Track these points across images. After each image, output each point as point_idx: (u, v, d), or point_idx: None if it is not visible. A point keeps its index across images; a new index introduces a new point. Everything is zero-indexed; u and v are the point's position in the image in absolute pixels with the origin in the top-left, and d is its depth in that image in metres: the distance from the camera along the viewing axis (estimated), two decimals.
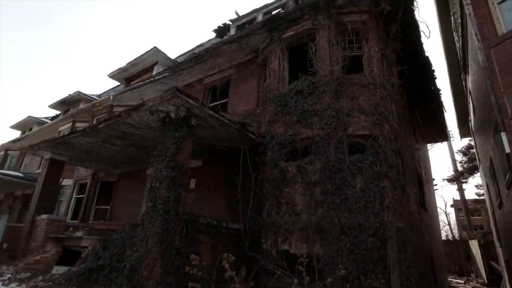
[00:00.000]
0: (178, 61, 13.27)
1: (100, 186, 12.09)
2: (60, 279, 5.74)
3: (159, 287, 5.15)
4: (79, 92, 15.98)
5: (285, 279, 5.05)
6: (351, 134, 6.23)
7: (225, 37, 10.45)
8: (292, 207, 6.32)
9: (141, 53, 12.69)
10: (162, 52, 12.55)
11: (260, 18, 9.84)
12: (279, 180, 6.65)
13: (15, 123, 20.69)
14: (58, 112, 21.28)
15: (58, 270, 7.48)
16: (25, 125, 20.41)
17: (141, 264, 5.28)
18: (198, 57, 9.66)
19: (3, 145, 19.99)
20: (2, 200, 18.17)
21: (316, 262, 5.46)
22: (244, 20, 10.34)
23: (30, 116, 19.66)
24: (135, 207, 10.71)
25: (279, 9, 9.61)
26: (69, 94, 16.28)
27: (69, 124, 14.96)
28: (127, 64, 13.35)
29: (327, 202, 5.85)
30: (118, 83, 18.10)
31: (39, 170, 16.93)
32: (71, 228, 8.55)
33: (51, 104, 17.46)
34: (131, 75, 13.99)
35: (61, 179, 14.07)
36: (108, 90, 18.53)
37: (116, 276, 5.58)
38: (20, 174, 15.24)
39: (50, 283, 5.56)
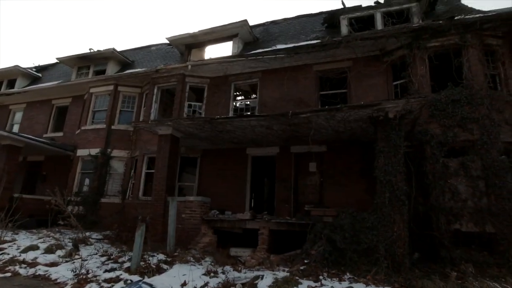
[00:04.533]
0: (258, 37, 12.90)
1: (181, 162, 11.51)
2: (306, 261, 6.23)
3: (409, 262, 6.28)
4: (113, 49, 13.83)
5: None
6: (502, 141, 8.04)
7: (343, 29, 10.82)
8: (457, 195, 7.94)
9: (227, 23, 11.91)
10: (249, 25, 12.03)
11: (379, 17, 10.50)
12: (440, 173, 8.12)
13: None
14: (45, 63, 17.90)
15: (237, 251, 7.68)
16: (6, 76, 16.49)
17: (393, 245, 6.26)
18: (327, 45, 9.95)
19: None
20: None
21: (489, 238, 7.32)
22: (358, 14, 10.81)
23: (17, 65, 15.94)
24: (235, 185, 10.79)
25: (401, 11, 10.38)
26: (99, 50, 13.93)
27: (111, 87, 13.09)
28: (199, 31, 12.30)
29: (494, 193, 7.63)
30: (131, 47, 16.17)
31: (48, 135, 14.56)
32: (214, 211, 8.46)
33: (63, 57, 14.60)
34: (195, 43, 12.94)
35: (109, 149, 12.78)
36: (125, 51, 16.41)
37: (358, 256, 6.41)
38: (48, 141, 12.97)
39: (304, 267, 6.01)
